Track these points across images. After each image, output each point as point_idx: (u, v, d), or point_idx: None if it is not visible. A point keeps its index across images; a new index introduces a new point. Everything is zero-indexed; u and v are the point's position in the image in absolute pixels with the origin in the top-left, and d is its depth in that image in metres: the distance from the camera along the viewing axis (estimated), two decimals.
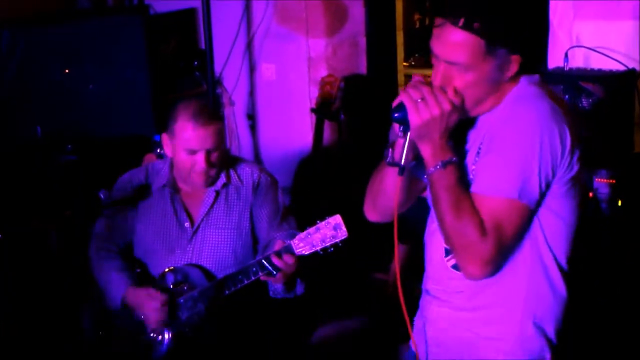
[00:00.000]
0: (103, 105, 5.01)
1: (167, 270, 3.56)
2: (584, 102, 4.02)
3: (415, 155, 2.43)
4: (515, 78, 2.41)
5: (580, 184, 2.44)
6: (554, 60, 4.36)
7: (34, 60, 4.98)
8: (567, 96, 4.04)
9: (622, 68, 4.08)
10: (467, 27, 2.29)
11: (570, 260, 2.48)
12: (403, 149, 2.40)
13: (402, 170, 2.41)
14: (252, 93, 5.68)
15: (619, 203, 3.86)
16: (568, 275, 2.47)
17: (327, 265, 4.39)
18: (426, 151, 2.37)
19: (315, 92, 5.18)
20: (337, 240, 3.21)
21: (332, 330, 4.32)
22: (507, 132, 2.34)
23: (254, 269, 3.36)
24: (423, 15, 5.51)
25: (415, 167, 2.49)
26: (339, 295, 4.56)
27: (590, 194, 3.90)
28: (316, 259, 3.32)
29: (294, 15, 5.40)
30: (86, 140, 4.89)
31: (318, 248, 3.23)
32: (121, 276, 3.61)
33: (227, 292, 3.41)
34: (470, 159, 2.46)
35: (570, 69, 4.16)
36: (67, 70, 5.02)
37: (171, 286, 3.53)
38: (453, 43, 2.32)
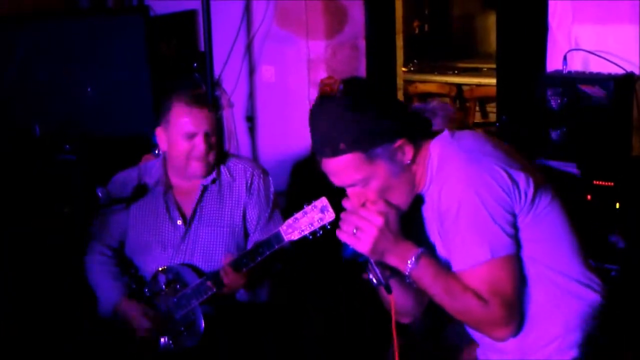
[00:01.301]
0: (102, 106, 5.02)
1: (159, 270, 3.55)
2: (583, 105, 4.03)
3: (391, 268, 2.48)
4: (422, 148, 2.47)
5: (557, 199, 2.47)
6: (553, 63, 4.38)
7: (33, 58, 4.99)
8: (565, 99, 4.05)
9: (620, 71, 4.09)
10: (336, 153, 2.38)
11: (580, 265, 2.49)
12: (376, 273, 2.48)
13: (387, 288, 2.49)
14: (251, 95, 5.69)
15: (617, 206, 3.87)
16: (587, 281, 2.50)
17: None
18: (393, 261, 2.43)
19: (314, 94, 5.18)
20: (324, 222, 3.18)
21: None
22: (448, 205, 2.38)
23: (244, 260, 3.35)
24: (422, 22, 5.54)
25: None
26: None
27: (589, 197, 3.91)
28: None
29: (294, 17, 5.40)
30: (85, 140, 4.90)
31: (307, 232, 3.21)
32: (115, 285, 3.61)
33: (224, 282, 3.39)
34: (436, 235, 2.51)
35: (569, 72, 4.17)
36: (66, 71, 5.04)
37: (163, 286, 3.52)
38: (339, 170, 2.42)
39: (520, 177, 2.37)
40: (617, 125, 4.04)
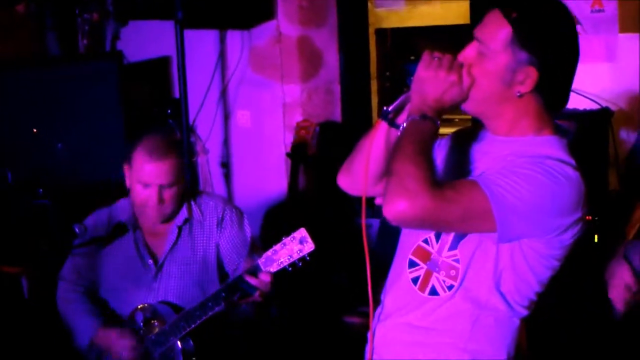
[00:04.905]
0: (75, 153, 4.99)
1: (137, 308, 3.50)
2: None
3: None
4: (541, 118, 2.36)
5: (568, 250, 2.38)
6: None
7: (4, 106, 4.96)
8: None
9: (596, 107, 4.11)
10: (506, 13, 2.29)
11: (528, 308, 2.43)
12: (398, 100, 2.44)
13: (385, 113, 2.44)
14: (226, 140, 5.67)
15: (596, 239, 3.86)
16: (522, 317, 2.44)
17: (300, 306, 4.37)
18: (414, 103, 2.36)
19: (290, 138, 5.18)
20: (304, 253, 3.15)
21: None
22: (526, 162, 2.27)
23: (223, 293, 3.28)
24: (393, 74, 5.57)
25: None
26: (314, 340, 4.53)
27: None
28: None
29: (268, 61, 5.41)
30: (59, 185, 4.86)
31: (286, 264, 3.17)
32: (89, 318, 3.57)
33: (198, 321, 3.32)
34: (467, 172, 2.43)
35: None
36: (37, 119, 5.01)
37: (141, 324, 3.47)
38: (489, 23, 2.32)
39: (578, 223, 2.31)
40: (594, 160, 4.04)
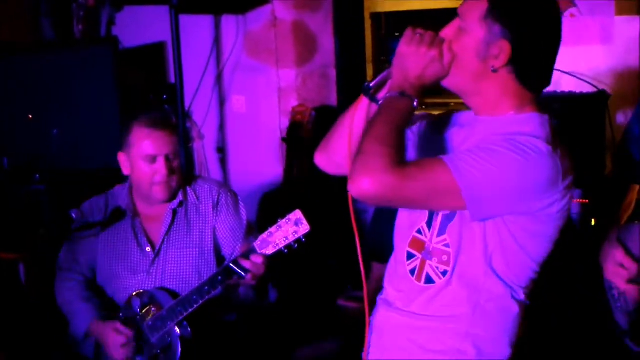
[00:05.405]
0: (71, 139, 4.97)
1: (133, 294, 3.50)
2: (555, 124, 4.02)
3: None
4: (521, 96, 2.34)
5: (561, 223, 2.36)
6: None
7: (0, 91, 4.95)
8: None
9: (592, 89, 4.10)
10: None
11: (526, 291, 2.43)
12: (380, 76, 2.42)
13: (366, 89, 2.41)
14: (222, 126, 5.66)
15: (593, 222, 3.86)
16: (522, 302, 2.43)
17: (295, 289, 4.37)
18: (395, 79, 2.36)
19: (285, 123, 5.17)
20: (299, 235, 3.15)
21: (310, 352, 4.27)
22: (497, 139, 2.25)
23: (220, 277, 3.29)
24: (389, 58, 5.55)
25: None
26: (309, 321, 4.53)
27: None
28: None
29: (263, 46, 5.40)
30: (54, 170, 4.84)
31: (281, 246, 3.17)
32: (86, 307, 3.56)
33: (195, 305, 3.32)
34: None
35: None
36: (33, 105, 4.99)
37: (138, 310, 3.47)
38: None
39: (564, 185, 2.28)
40: (591, 143, 4.04)
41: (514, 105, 2.35)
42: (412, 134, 2.57)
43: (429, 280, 2.42)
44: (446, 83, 2.39)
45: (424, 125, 2.58)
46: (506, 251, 2.34)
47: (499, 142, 2.23)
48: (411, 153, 2.53)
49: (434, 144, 2.49)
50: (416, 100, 2.31)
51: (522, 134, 2.24)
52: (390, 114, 2.28)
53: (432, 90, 2.40)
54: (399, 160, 2.19)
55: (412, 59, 2.33)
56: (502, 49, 2.28)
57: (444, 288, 2.39)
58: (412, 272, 2.45)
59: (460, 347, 2.40)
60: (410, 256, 2.48)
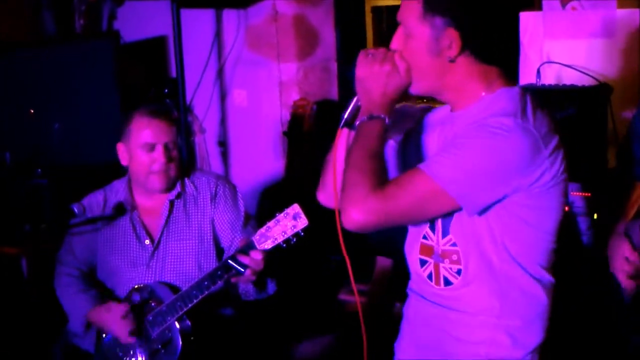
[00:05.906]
0: (72, 134, 4.98)
1: (133, 289, 3.50)
2: (558, 118, 4.01)
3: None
4: (488, 76, 2.34)
5: (561, 188, 2.35)
6: (526, 77, 4.39)
7: (1, 86, 4.94)
8: None
9: (594, 83, 4.09)
10: None
11: (547, 268, 2.41)
12: (350, 106, 2.44)
13: (346, 122, 2.43)
14: (223, 120, 5.66)
15: (595, 216, 3.85)
16: (546, 283, 2.42)
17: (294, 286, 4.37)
18: (363, 105, 2.39)
19: (287, 117, 5.17)
20: (298, 229, 3.14)
21: (311, 346, 4.27)
22: (469, 130, 2.26)
23: (219, 272, 3.29)
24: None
25: None
26: (308, 315, 4.54)
27: (567, 208, 3.89)
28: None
29: (264, 40, 5.40)
30: (56, 165, 4.85)
31: (280, 240, 3.16)
32: (84, 297, 3.55)
33: (195, 300, 3.32)
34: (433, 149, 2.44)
35: (543, 85, 4.18)
36: (35, 100, 4.99)
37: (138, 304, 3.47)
38: (403, 4, 2.38)
39: (556, 155, 2.29)
40: (593, 137, 4.03)
41: (483, 86, 2.35)
42: (396, 143, 2.60)
43: (447, 282, 2.42)
44: (414, 90, 2.40)
45: (409, 131, 2.60)
46: (515, 233, 2.33)
47: (469, 132, 2.24)
48: (398, 163, 2.57)
49: (417, 149, 2.51)
50: (387, 117, 2.34)
51: (492, 116, 2.25)
52: (364, 139, 2.32)
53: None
54: (378, 183, 2.22)
55: (370, 79, 2.36)
56: (452, 38, 2.29)
57: (464, 286, 2.40)
58: (430, 277, 2.46)
59: (495, 338, 2.40)
60: (423, 263, 2.49)
